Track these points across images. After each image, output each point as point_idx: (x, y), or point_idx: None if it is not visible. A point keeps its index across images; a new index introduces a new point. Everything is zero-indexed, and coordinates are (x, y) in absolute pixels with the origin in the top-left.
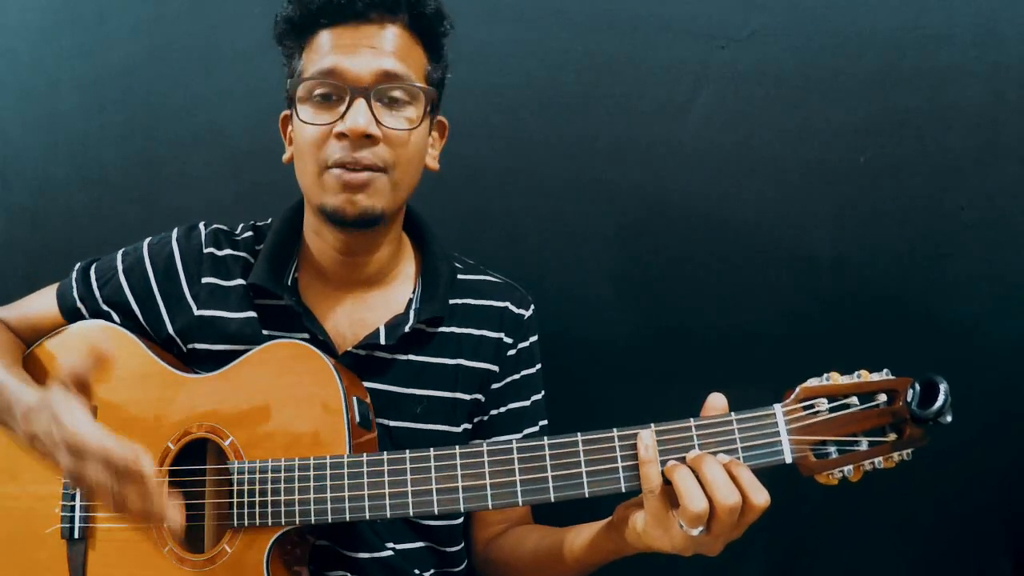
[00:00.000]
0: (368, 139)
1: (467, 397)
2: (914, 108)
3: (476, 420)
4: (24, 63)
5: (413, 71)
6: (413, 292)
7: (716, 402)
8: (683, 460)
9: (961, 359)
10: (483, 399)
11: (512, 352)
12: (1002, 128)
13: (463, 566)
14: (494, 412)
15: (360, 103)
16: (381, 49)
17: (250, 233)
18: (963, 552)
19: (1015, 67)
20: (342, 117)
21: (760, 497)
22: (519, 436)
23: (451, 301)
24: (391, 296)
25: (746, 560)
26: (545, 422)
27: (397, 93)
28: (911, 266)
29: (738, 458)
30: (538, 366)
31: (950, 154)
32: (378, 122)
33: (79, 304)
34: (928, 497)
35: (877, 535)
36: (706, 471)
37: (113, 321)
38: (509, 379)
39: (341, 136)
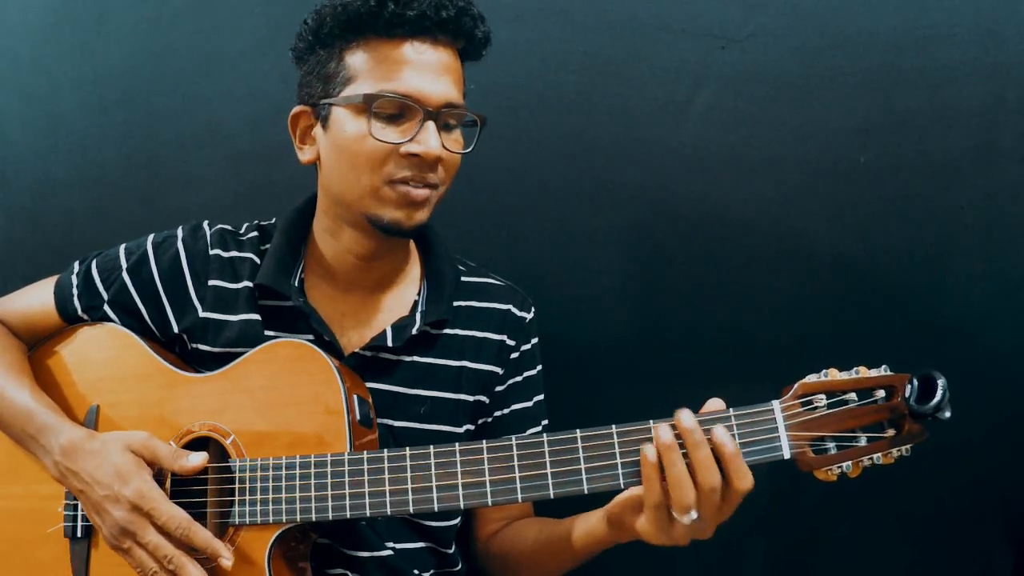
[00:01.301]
0: (435, 162)
1: (470, 399)
2: (914, 108)
3: (480, 422)
4: (24, 63)
5: (462, 95)
6: (418, 294)
7: (714, 407)
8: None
9: (961, 359)
10: (487, 401)
11: (515, 355)
12: (1002, 128)
13: (460, 567)
14: (498, 413)
15: (430, 126)
16: (447, 75)
17: (255, 233)
18: (963, 550)
19: (1015, 67)
20: (414, 139)
21: (744, 483)
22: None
23: (455, 303)
24: (397, 298)
25: (746, 556)
26: (546, 422)
27: (452, 119)
28: (911, 266)
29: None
30: (539, 367)
31: (950, 154)
32: (442, 145)
33: (81, 313)
34: (928, 495)
35: (877, 533)
36: (698, 455)
37: (113, 322)
38: (512, 381)
39: (411, 156)
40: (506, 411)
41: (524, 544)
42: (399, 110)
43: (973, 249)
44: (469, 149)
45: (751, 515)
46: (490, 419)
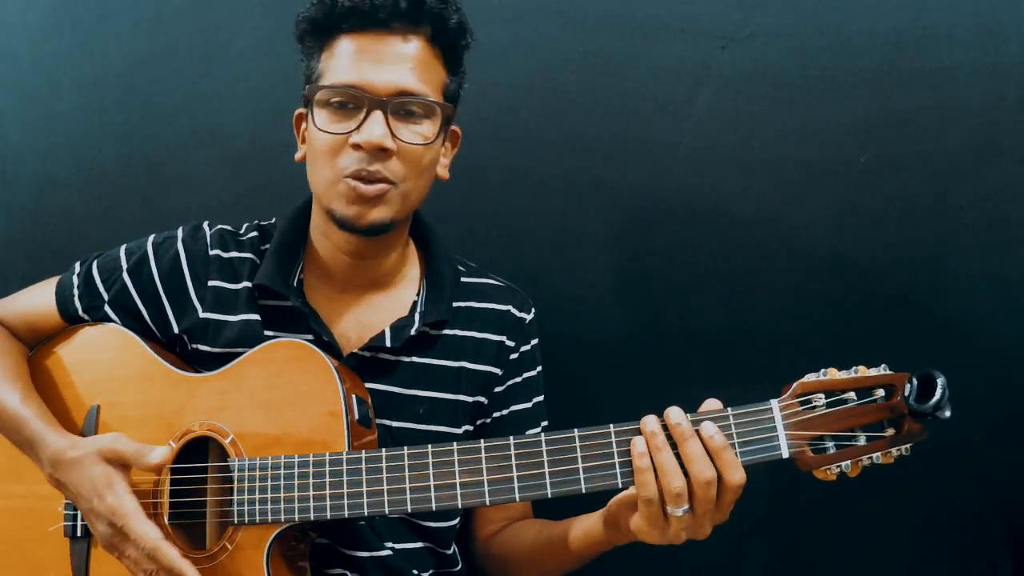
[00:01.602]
0: (383, 152)
1: (469, 399)
2: (914, 108)
3: (479, 422)
4: (24, 63)
5: (431, 86)
6: (417, 295)
7: (711, 407)
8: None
9: (961, 359)
10: (486, 401)
11: (515, 356)
12: (1002, 128)
13: (459, 567)
14: (497, 414)
15: (377, 115)
16: (402, 63)
17: (255, 233)
18: (963, 551)
19: (1015, 67)
20: (358, 128)
21: (735, 476)
22: None
23: (454, 304)
24: (396, 298)
25: (745, 556)
26: (546, 423)
27: (414, 108)
28: (911, 266)
29: (736, 455)
30: (539, 368)
31: (950, 154)
32: (394, 136)
33: (82, 313)
34: (928, 496)
35: (877, 533)
36: (687, 448)
37: (113, 322)
38: (511, 382)
39: (356, 147)
40: (505, 412)
41: (523, 544)
42: (348, 101)
43: (973, 249)
44: (430, 141)
45: (751, 515)
46: (489, 420)
